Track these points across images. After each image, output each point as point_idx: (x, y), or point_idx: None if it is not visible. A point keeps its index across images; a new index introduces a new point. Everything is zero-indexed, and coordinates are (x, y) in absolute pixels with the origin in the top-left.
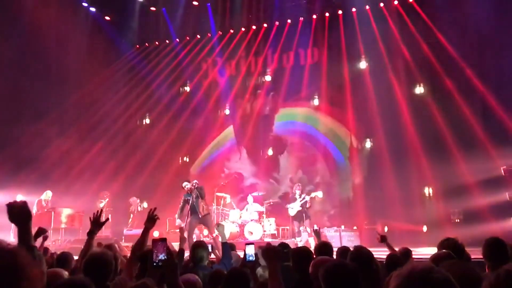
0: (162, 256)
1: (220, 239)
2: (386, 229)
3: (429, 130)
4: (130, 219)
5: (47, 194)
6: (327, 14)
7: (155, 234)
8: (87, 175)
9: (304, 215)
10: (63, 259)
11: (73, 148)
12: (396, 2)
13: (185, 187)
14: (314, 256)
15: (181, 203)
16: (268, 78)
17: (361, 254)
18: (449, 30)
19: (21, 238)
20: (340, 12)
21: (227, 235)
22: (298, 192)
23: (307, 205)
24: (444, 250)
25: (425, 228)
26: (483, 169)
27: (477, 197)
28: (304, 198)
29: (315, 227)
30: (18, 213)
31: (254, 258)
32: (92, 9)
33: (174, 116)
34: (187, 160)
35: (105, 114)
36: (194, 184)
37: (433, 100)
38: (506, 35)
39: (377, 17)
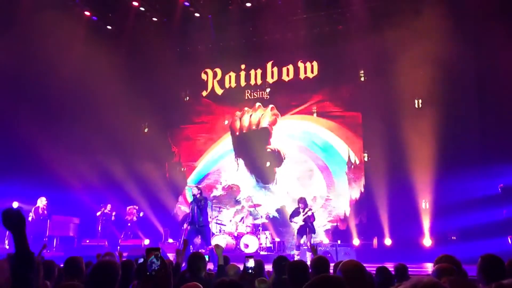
0: (155, 266)
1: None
2: (389, 241)
3: (427, 145)
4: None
5: (42, 201)
6: (327, 29)
7: (146, 242)
8: (84, 183)
9: (307, 229)
10: (46, 268)
11: (70, 156)
12: (395, 18)
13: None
14: (310, 271)
15: None
16: (267, 90)
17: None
18: (448, 44)
19: (17, 245)
20: (340, 26)
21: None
22: (301, 205)
23: (311, 220)
24: (446, 264)
25: (429, 242)
26: (480, 186)
27: (474, 215)
28: (306, 213)
29: (312, 242)
30: (13, 220)
31: (254, 272)
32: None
33: (172, 126)
34: (184, 170)
35: (103, 123)
36: (195, 194)
37: (432, 115)
38: (507, 50)
39: (376, 32)
